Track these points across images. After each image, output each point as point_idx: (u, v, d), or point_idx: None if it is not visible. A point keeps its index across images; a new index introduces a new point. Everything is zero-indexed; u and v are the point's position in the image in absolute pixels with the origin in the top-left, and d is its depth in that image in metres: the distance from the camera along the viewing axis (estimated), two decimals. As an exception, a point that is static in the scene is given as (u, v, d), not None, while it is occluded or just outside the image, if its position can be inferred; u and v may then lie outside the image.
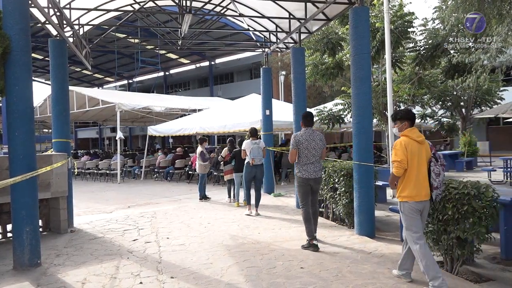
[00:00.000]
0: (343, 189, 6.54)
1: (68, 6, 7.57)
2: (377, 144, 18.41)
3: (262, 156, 8.12)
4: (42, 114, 20.66)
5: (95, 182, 16.01)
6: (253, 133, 8.24)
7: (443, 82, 14.23)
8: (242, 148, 8.30)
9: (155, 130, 16.47)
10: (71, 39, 8.03)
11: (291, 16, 8.63)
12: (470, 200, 4.03)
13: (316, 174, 5.62)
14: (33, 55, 30.31)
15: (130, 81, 44.59)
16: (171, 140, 20.80)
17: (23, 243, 4.77)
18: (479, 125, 22.29)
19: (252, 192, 8.20)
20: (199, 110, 18.83)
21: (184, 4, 7.91)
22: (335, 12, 7.84)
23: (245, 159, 8.18)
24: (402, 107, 12.95)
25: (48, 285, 4.28)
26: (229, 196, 9.80)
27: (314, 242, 5.47)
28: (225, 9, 9.68)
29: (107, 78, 46.73)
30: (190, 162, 14.63)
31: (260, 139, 8.81)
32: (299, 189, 5.74)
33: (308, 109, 9.79)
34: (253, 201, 8.12)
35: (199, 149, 10.25)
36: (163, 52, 32.53)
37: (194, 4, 8.70)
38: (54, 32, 7.33)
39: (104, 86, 49.13)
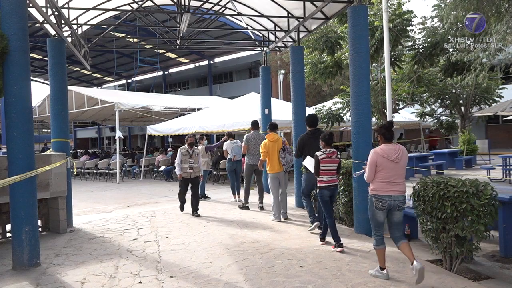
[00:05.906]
0: (342, 187, 6.55)
1: (66, 5, 7.55)
2: (376, 142, 18.41)
3: (241, 153, 9.51)
4: (41, 114, 20.63)
5: (94, 182, 16.01)
6: (231, 135, 10.06)
7: (442, 81, 14.24)
8: (224, 148, 9.86)
9: (154, 129, 16.44)
10: (69, 39, 8.02)
11: (290, 15, 8.62)
12: (469, 198, 4.03)
13: (258, 162, 7.91)
14: (31, 55, 30.34)
15: (129, 80, 44.49)
16: (170, 140, 20.73)
17: (22, 243, 4.77)
18: (478, 123, 22.27)
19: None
20: (198, 109, 18.79)
21: (182, 3, 7.90)
22: (334, 11, 7.84)
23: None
24: (401, 105, 12.99)
25: (47, 285, 4.28)
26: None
27: (247, 205, 8.35)
28: (223, 8, 9.65)
29: (106, 78, 46.62)
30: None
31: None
32: (245, 171, 8.41)
33: (307, 108, 9.92)
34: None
35: (201, 147, 10.23)
36: (162, 51, 32.42)
37: (193, 3, 8.68)
38: (52, 32, 7.32)
39: (103, 86, 49.02)
